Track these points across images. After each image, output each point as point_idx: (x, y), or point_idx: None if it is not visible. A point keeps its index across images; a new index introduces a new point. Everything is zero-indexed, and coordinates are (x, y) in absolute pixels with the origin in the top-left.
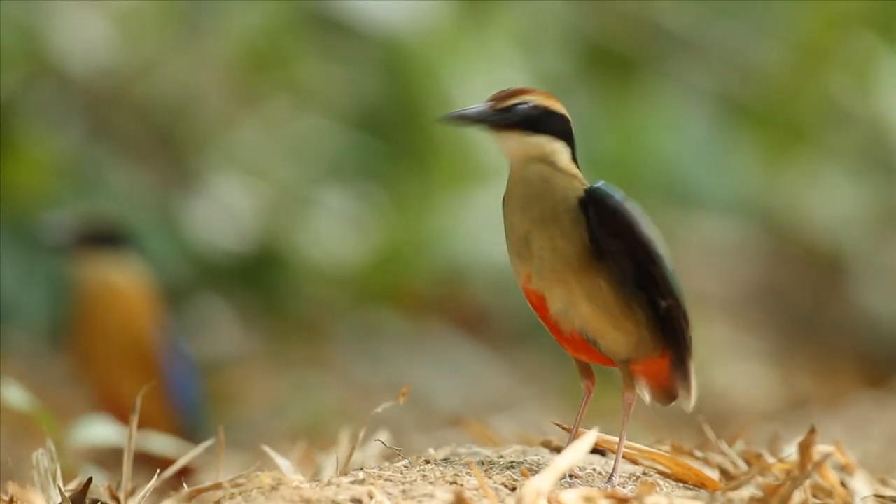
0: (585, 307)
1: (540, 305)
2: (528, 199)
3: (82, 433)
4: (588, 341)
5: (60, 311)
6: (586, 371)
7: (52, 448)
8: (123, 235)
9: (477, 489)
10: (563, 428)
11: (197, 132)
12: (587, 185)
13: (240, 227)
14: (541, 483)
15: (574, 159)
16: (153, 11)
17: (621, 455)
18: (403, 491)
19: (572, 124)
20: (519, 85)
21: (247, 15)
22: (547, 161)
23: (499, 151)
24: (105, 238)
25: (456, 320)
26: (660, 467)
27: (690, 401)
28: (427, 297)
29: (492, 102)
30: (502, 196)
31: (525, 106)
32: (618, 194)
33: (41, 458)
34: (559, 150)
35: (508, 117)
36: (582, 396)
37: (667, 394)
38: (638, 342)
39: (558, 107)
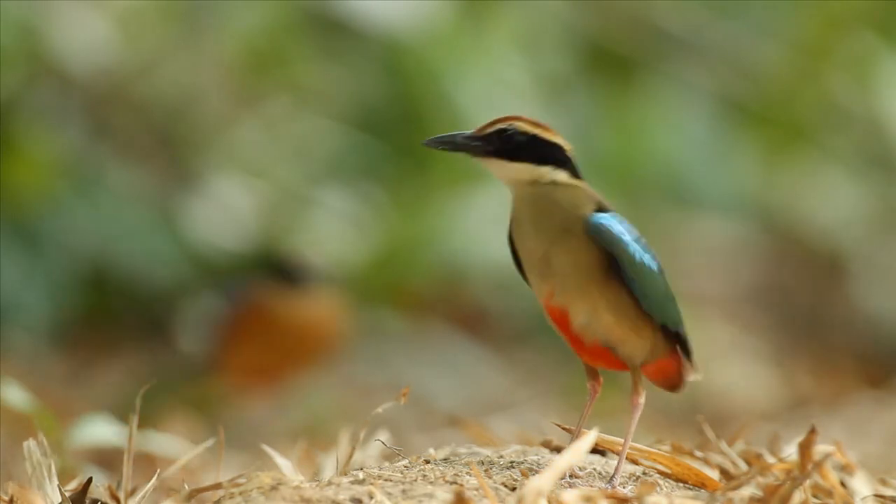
0: (608, 317)
1: (562, 321)
2: (537, 219)
3: (82, 433)
4: (609, 349)
5: (60, 312)
6: (593, 373)
7: (45, 441)
8: (312, 271)
9: (477, 489)
10: (564, 428)
11: (197, 132)
12: (592, 196)
13: (240, 227)
14: (541, 483)
15: (577, 175)
16: (153, 11)
17: (625, 457)
18: (403, 491)
19: (566, 149)
20: (510, 113)
21: (247, 15)
22: (539, 183)
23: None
24: (295, 274)
25: (456, 320)
26: (660, 467)
27: (697, 375)
28: (427, 297)
29: (474, 130)
30: (509, 223)
31: (506, 134)
32: (613, 228)
33: (33, 448)
34: (547, 174)
35: (484, 146)
36: (587, 396)
37: (672, 385)
38: (654, 346)
39: (547, 134)
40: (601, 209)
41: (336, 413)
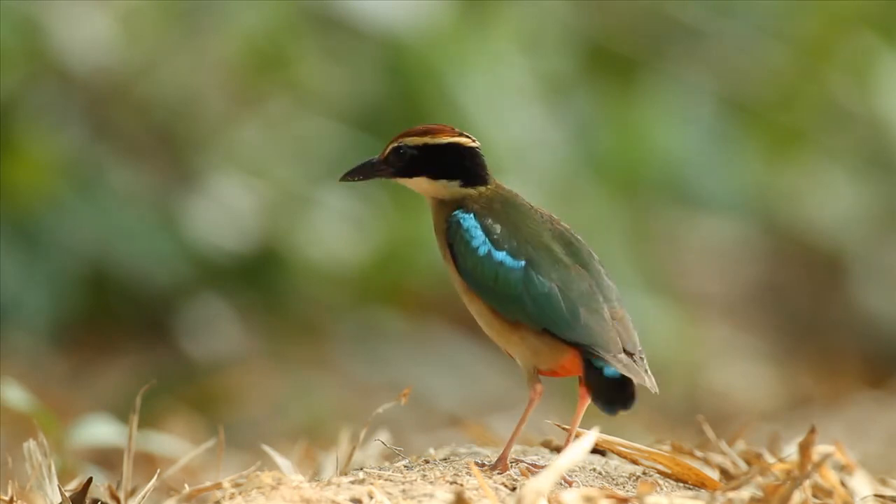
0: (479, 321)
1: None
2: (437, 235)
3: (82, 433)
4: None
5: (61, 312)
6: (534, 378)
7: (45, 441)
8: None
9: (477, 489)
10: (563, 428)
11: (197, 132)
12: (476, 197)
13: (240, 227)
14: (541, 483)
15: (478, 175)
16: (154, 11)
17: (513, 441)
18: (403, 491)
19: (464, 145)
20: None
21: (247, 15)
22: (441, 198)
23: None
24: None
25: (456, 320)
26: (660, 467)
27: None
28: (427, 297)
29: (381, 153)
30: None
31: (399, 151)
32: (463, 223)
33: (33, 449)
34: (443, 189)
35: (387, 168)
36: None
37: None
38: (536, 351)
39: (438, 139)
40: (467, 207)
41: (336, 413)
